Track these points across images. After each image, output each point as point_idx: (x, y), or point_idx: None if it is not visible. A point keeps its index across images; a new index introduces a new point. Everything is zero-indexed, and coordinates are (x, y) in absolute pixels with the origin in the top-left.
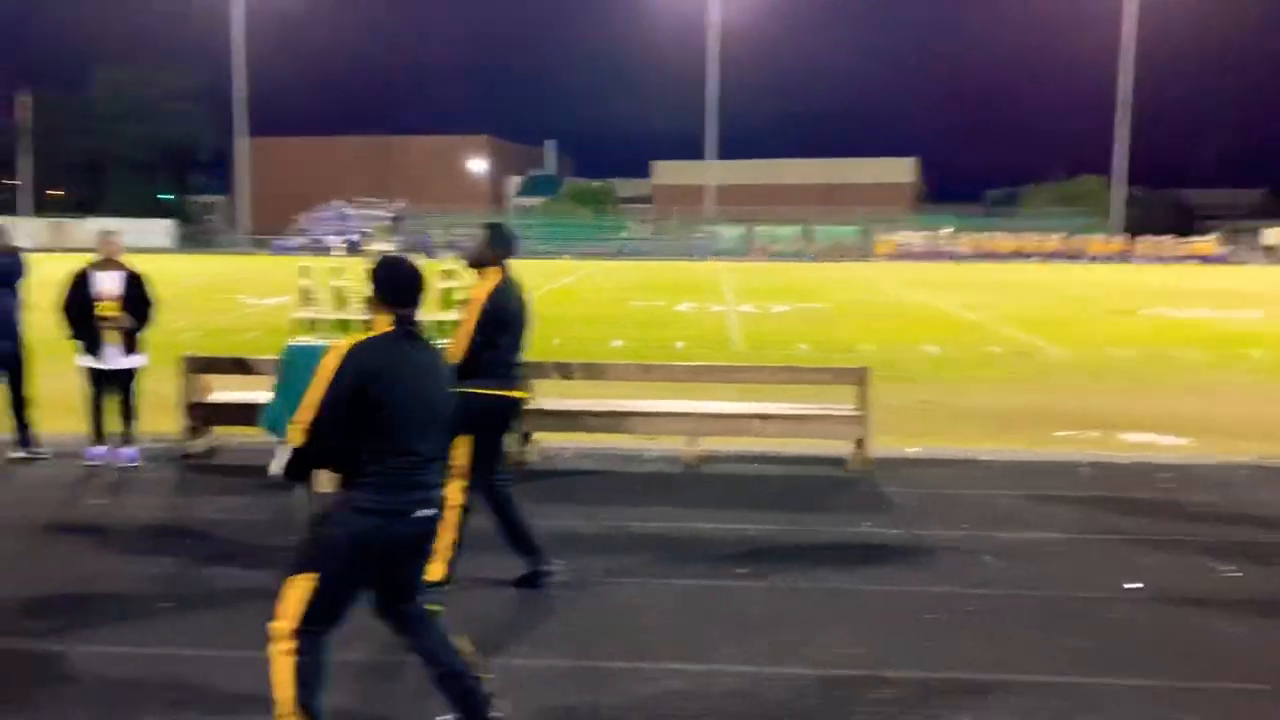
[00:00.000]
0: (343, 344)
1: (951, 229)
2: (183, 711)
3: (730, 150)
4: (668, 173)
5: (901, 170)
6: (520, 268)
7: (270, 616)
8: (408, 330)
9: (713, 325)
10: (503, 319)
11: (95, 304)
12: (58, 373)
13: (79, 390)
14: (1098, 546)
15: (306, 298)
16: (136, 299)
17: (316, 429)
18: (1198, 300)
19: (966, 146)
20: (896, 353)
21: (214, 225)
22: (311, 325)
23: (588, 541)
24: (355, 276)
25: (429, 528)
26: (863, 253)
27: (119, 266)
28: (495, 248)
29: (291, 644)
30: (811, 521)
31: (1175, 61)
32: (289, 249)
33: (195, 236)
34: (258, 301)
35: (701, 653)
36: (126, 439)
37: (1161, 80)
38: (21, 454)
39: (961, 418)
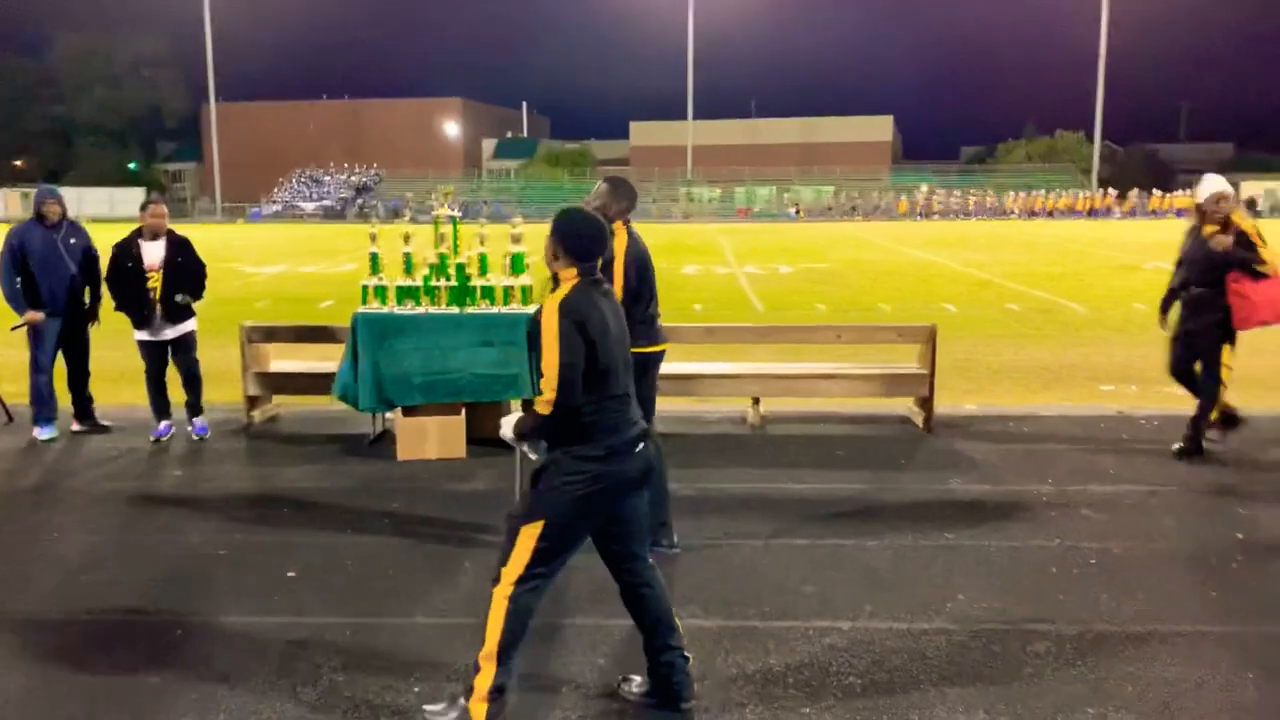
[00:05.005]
0: (551, 305)
1: (927, 186)
2: (358, 676)
3: (709, 110)
4: (645, 134)
5: (878, 129)
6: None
7: (403, 582)
8: (594, 280)
9: (725, 287)
10: (643, 270)
11: (147, 276)
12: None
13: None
14: (1190, 498)
15: (376, 265)
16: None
17: (565, 392)
18: None
19: (940, 104)
20: (916, 312)
21: (185, 193)
22: (380, 293)
23: (691, 504)
24: (423, 243)
25: (646, 463)
26: (843, 212)
27: (165, 235)
28: (620, 201)
29: (512, 589)
30: (899, 480)
31: (1140, 16)
32: (264, 216)
33: (167, 205)
34: (257, 270)
35: (847, 611)
36: (195, 408)
37: (1128, 35)
38: (81, 427)
39: (1002, 374)
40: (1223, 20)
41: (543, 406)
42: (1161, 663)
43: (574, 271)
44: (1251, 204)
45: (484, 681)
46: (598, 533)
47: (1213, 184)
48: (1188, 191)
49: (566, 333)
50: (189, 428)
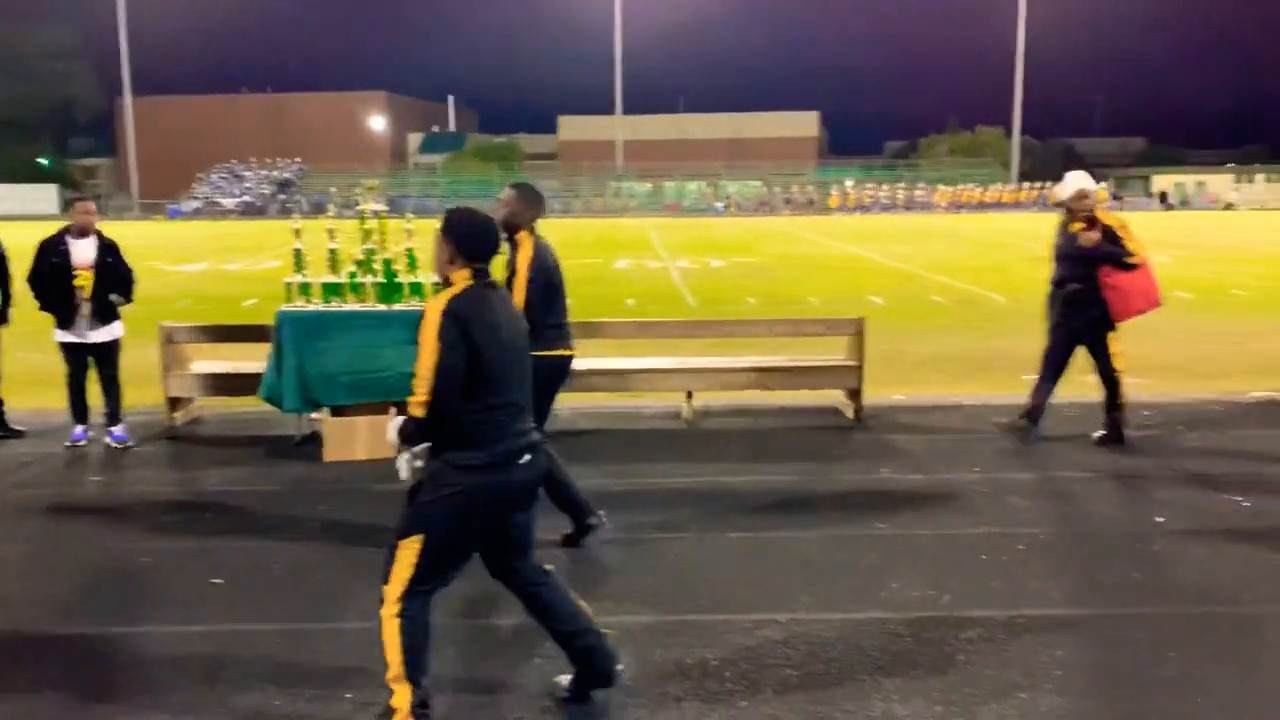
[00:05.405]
0: (436, 304)
1: (852, 181)
2: (288, 685)
3: (637, 106)
4: (574, 128)
5: (805, 124)
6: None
7: (333, 587)
8: (487, 282)
9: (657, 282)
10: (552, 280)
11: (74, 274)
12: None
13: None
14: (1110, 483)
15: (300, 262)
16: (113, 268)
17: (440, 395)
18: None
19: (865, 99)
20: (844, 304)
21: (100, 190)
22: (305, 290)
23: (624, 499)
24: (348, 239)
25: (533, 475)
26: (772, 206)
27: (95, 234)
28: (530, 208)
29: (398, 607)
30: (831, 471)
31: (1056, 13)
32: (184, 213)
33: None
34: (176, 268)
35: (783, 602)
36: (114, 417)
37: (1045, 32)
38: None
39: (927, 365)
40: (1135, 17)
41: (415, 408)
42: (1089, 646)
43: (467, 273)
44: (1163, 197)
45: (401, 702)
46: (478, 544)
47: (1076, 181)
48: (1101, 185)
49: (447, 334)
50: (106, 437)
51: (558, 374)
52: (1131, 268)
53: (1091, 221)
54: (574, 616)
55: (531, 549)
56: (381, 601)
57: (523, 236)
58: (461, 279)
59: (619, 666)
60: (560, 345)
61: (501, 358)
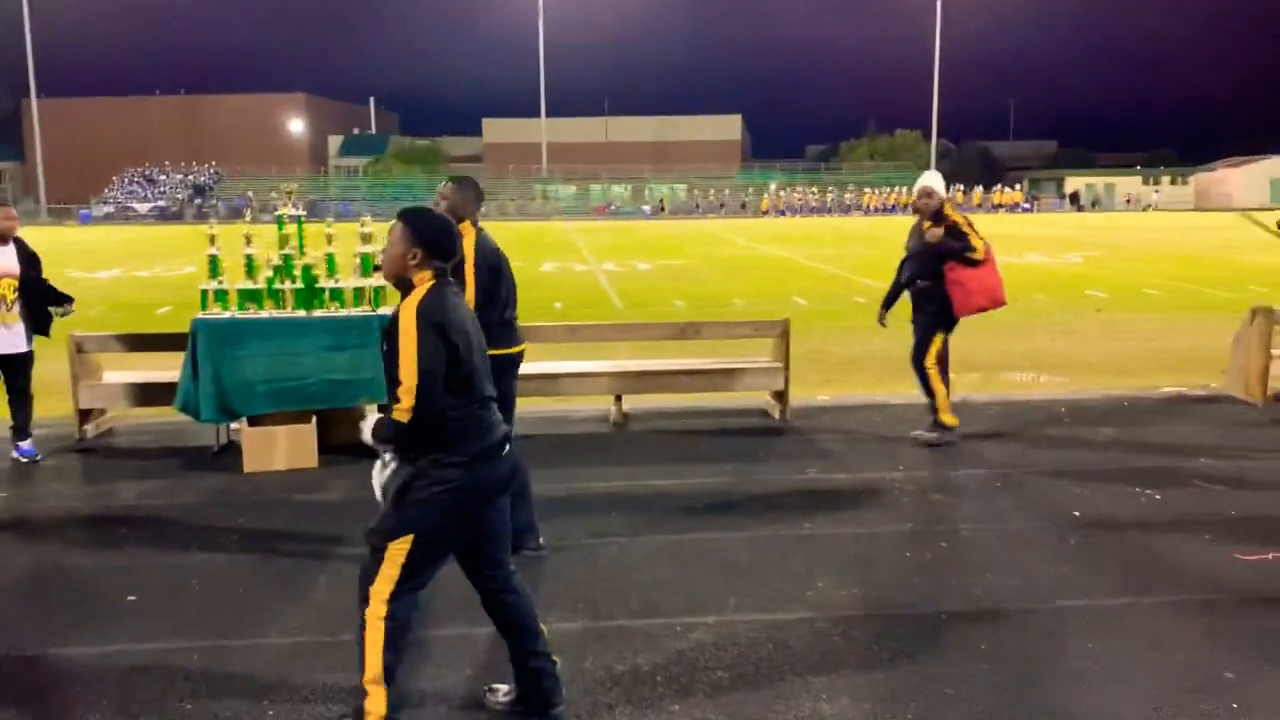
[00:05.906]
0: (408, 307)
1: (775, 184)
2: (207, 703)
3: (562, 108)
4: (498, 131)
5: (729, 127)
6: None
7: (254, 601)
8: (446, 281)
9: (585, 285)
10: (497, 268)
11: None
12: None
13: None
14: (1030, 480)
15: (216, 268)
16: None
17: (425, 399)
18: (1027, 247)
19: (787, 103)
20: (770, 306)
21: (6, 194)
22: (221, 297)
23: (553, 504)
24: (266, 244)
25: (513, 465)
26: (702, 209)
27: (15, 241)
28: (471, 201)
29: (386, 609)
30: (760, 471)
31: (970, 18)
32: (95, 218)
33: None
34: (88, 275)
35: (712, 605)
36: (23, 430)
37: (960, 37)
38: None
39: (852, 365)
40: (1044, 23)
41: (401, 414)
42: (1013, 640)
43: (429, 274)
44: (1074, 198)
45: (377, 705)
46: (461, 542)
47: (922, 180)
48: (1018, 187)
49: (426, 338)
50: (13, 451)
51: (511, 370)
52: (976, 263)
53: (938, 218)
54: (535, 637)
55: (509, 542)
56: (366, 603)
57: (465, 227)
58: (423, 280)
59: (561, 703)
60: (511, 343)
61: (473, 354)
